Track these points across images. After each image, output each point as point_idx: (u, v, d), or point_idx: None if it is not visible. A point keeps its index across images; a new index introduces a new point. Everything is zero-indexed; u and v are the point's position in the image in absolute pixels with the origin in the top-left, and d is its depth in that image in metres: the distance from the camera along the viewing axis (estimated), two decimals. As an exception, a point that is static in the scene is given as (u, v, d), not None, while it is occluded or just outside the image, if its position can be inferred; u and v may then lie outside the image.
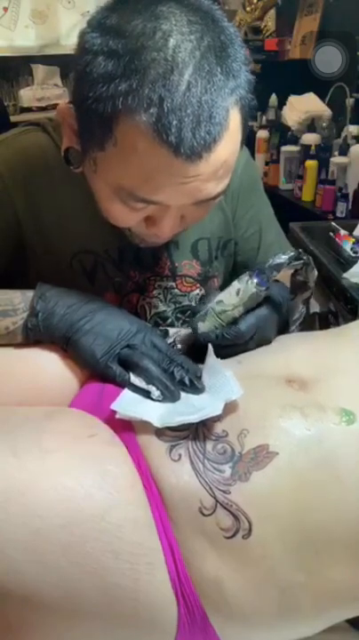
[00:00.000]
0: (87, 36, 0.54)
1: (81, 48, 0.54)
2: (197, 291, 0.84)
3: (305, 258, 0.66)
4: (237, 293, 0.64)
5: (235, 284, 0.64)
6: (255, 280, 0.63)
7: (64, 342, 0.63)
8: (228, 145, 0.55)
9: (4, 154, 0.73)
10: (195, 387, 0.58)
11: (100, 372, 0.62)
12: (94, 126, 0.55)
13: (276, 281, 0.69)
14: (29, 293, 0.64)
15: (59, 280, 0.68)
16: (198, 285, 0.83)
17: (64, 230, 0.74)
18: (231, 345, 0.64)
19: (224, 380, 0.56)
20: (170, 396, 0.57)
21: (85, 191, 0.64)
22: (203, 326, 0.66)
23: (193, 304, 0.84)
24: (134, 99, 0.50)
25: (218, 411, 0.51)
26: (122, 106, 0.51)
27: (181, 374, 0.59)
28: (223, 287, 0.71)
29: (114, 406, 0.53)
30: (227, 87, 0.53)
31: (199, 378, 0.59)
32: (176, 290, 0.82)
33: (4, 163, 0.72)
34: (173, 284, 0.82)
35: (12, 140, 0.76)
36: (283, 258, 0.65)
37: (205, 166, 0.54)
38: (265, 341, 0.67)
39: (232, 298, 0.64)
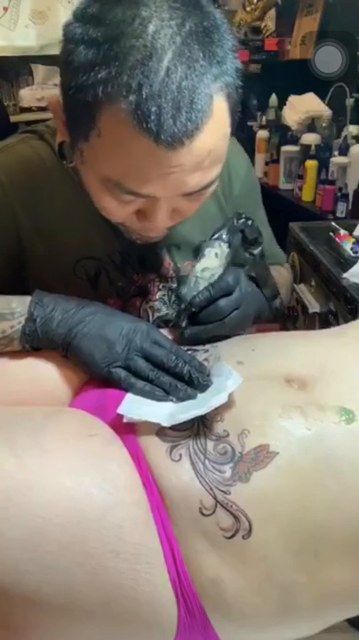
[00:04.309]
0: (70, 27, 0.53)
1: (64, 39, 0.54)
2: None
3: (244, 216, 0.71)
4: (216, 256, 0.68)
5: (210, 250, 0.68)
6: (225, 243, 0.69)
7: (64, 347, 0.62)
8: (213, 133, 0.53)
9: (4, 162, 0.73)
10: (204, 385, 0.57)
11: (103, 377, 0.60)
12: (78, 117, 0.54)
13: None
14: (27, 298, 0.63)
15: (61, 288, 0.66)
16: None
17: (66, 237, 0.74)
18: (213, 321, 0.65)
19: (222, 371, 0.57)
20: (186, 398, 0.57)
21: (86, 197, 0.63)
22: (190, 292, 0.67)
23: None
24: (113, 86, 0.49)
25: (223, 399, 0.52)
26: (102, 94, 0.50)
27: (190, 372, 0.58)
28: None
29: (120, 410, 0.53)
30: (209, 73, 0.50)
31: (207, 375, 0.58)
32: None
33: (4, 170, 0.72)
34: (177, 285, 0.81)
35: (12, 149, 0.74)
36: (235, 220, 0.71)
37: (188, 155, 0.52)
38: (246, 319, 0.68)
39: (214, 261, 0.68)
